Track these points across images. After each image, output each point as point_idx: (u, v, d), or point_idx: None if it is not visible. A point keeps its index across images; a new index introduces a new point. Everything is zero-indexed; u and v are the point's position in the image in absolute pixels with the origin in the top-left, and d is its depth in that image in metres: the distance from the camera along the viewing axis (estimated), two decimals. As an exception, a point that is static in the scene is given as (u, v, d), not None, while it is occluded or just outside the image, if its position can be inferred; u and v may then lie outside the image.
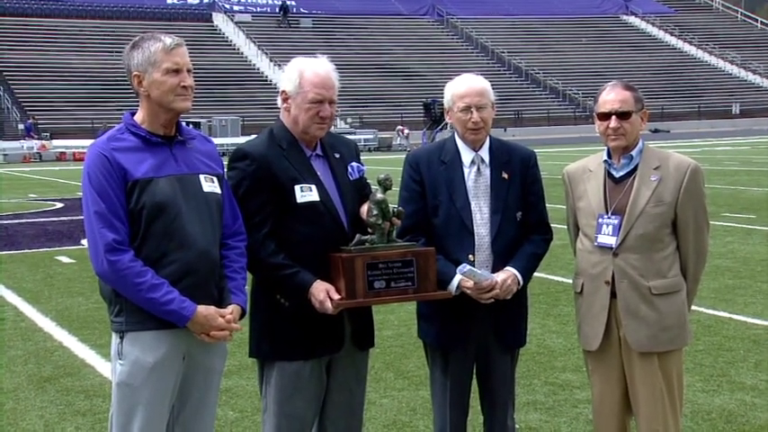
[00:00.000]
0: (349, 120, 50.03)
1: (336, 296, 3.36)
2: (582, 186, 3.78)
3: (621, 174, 3.71)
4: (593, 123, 3.84)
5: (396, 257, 3.40)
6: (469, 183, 3.78)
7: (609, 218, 3.66)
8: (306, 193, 3.47)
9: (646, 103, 3.76)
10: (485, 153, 3.83)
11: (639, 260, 3.62)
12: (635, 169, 3.68)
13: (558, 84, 59.20)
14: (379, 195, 3.44)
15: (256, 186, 3.45)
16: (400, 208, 3.53)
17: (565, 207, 3.92)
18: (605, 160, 3.75)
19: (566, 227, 3.96)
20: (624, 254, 3.62)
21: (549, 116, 55.76)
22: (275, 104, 3.70)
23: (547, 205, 3.94)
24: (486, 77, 3.88)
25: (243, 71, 55.25)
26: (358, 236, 3.46)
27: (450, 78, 3.90)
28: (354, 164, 3.67)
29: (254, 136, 3.79)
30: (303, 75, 3.51)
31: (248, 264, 3.41)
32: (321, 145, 3.63)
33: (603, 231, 3.65)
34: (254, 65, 56.86)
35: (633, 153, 3.70)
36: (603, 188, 3.71)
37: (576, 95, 57.84)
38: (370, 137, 44.02)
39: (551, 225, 3.93)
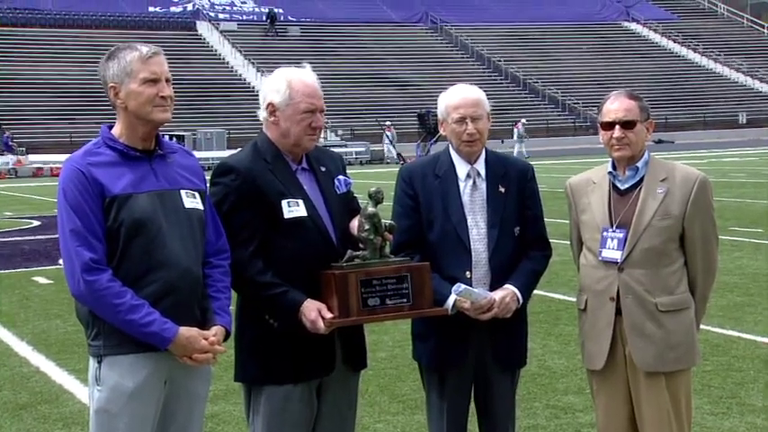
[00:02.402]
0: (339, 132, 50.16)
1: (329, 315, 3.36)
2: (585, 199, 3.79)
3: (627, 186, 3.72)
4: (595, 134, 3.86)
5: (390, 273, 3.42)
6: (465, 197, 3.80)
7: (614, 231, 3.67)
8: (293, 209, 3.47)
9: (650, 112, 3.78)
10: (480, 166, 3.84)
11: (645, 275, 3.62)
12: (641, 181, 3.70)
13: (557, 93, 59.45)
14: (371, 209, 3.45)
15: (241, 202, 3.45)
16: (392, 222, 3.54)
17: (567, 222, 3.93)
18: (610, 172, 3.76)
19: (568, 242, 3.96)
20: (630, 269, 3.63)
21: (549, 127, 55.96)
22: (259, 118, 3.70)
23: (546, 220, 3.95)
24: (482, 87, 3.91)
25: (228, 82, 55.36)
26: (349, 252, 3.47)
27: (445, 88, 3.92)
28: (341, 177, 3.68)
29: (239, 149, 3.79)
30: (292, 85, 3.52)
31: (234, 283, 3.40)
32: (307, 158, 3.64)
33: (608, 245, 3.66)
34: (240, 75, 57.00)
35: (639, 164, 3.71)
36: (608, 201, 3.72)
37: (576, 105, 58.09)
38: (362, 149, 44.07)
39: (550, 240, 3.94)
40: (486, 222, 3.77)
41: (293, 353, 3.47)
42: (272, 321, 3.45)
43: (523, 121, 45.29)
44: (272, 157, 3.55)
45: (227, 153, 33.50)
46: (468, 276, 3.73)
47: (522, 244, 3.83)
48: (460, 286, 3.57)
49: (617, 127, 3.66)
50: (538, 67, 62.97)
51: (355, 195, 3.77)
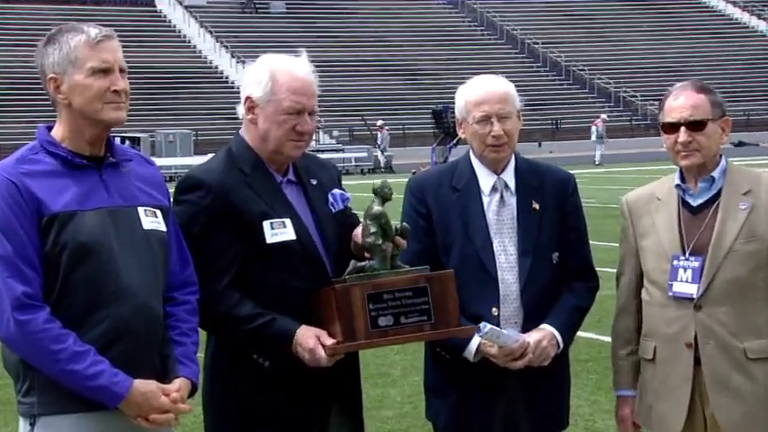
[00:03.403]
0: (335, 133, 50.22)
1: (330, 341, 3.38)
2: (648, 219, 3.80)
3: (700, 201, 3.74)
4: (657, 135, 3.88)
5: (404, 285, 3.43)
6: (490, 215, 3.82)
7: (687, 260, 3.67)
8: (278, 231, 3.51)
9: (727, 107, 3.78)
10: (509, 177, 3.87)
11: (729, 314, 3.62)
12: (718, 195, 3.72)
13: (608, 84, 59.51)
14: (377, 208, 3.45)
15: (213, 224, 3.48)
16: (405, 224, 3.55)
17: (618, 246, 3.94)
18: (678, 185, 3.77)
19: (618, 273, 3.95)
20: (709, 306, 3.62)
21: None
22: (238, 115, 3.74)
23: (592, 243, 3.98)
24: (514, 77, 3.95)
25: (196, 71, 55.56)
26: (353, 262, 3.48)
27: (467, 79, 3.95)
28: (337, 191, 3.71)
29: (210, 156, 3.82)
30: (276, 77, 3.55)
31: (205, 322, 3.43)
32: (294, 169, 3.67)
33: (680, 277, 3.66)
34: (210, 62, 57.21)
35: (715, 174, 3.73)
36: (678, 221, 3.73)
37: (634, 99, 58.14)
38: (363, 155, 44.04)
39: (598, 270, 3.96)
40: (516, 247, 3.79)
41: (275, 414, 3.50)
42: (262, 360, 3.48)
43: (603, 117, 45.58)
44: (251, 166, 3.58)
45: (194, 161, 33.56)
46: (495, 314, 3.75)
47: (563, 274, 3.85)
48: (486, 326, 3.59)
49: (682, 129, 3.67)
50: (584, 51, 63.03)
51: (354, 212, 3.80)
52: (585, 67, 60.89)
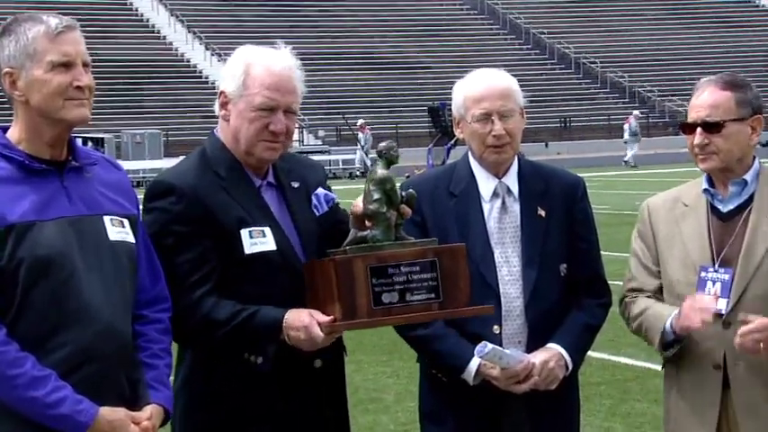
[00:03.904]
0: (321, 133, 50.20)
1: (325, 318, 3.37)
2: (674, 227, 3.82)
3: (731, 207, 3.75)
4: (675, 134, 3.89)
5: (411, 258, 3.42)
6: (491, 223, 3.84)
7: (716, 271, 3.68)
8: (257, 240, 3.53)
9: (763, 101, 3.81)
10: (512, 181, 3.89)
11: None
12: (751, 200, 3.74)
13: (622, 78, 59.58)
14: (381, 172, 3.45)
15: (188, 234, 3.50)
16: (411, 191, 3.53)
17: (629, 257, 3.96)
18: (706, 189, 3.80)
19: (624, 292, 3.94)
20: (740, 324, 3.60)
21: (611, 124, 55.98)
22: (215, 113, 3.75)
23: (604, 254, 4.00)
24: (518, 71, 4.01)
25: (166, 64, 55.50)
26: (353, 231, 3.49)
27: (465, 74, 3.97)
28: (321, 192, 3.73)
29: (181, 159, 3.84)
30: (249, 70, 3.58)
31: (180, 334, 3.45)
32: (273, 171, 3.70)
33: (708, 291, 3.67)
34: (182, 55, 57.16)
35: (747, 177, 3.75)
36: (708, 229, 3.75)
37: (650, 94, 58.22)
38: (352, 157, 44.08)
39: (610, 283, 3.98)
40: (520, 258, 3.82)
41: (270, 410, 3.53)
42: (254, 358, 3.50)
43: (636, 113, 45.80)
44: (227, 169, 3.60)
45: (164, 164, 33.47)
46: (497, 332, 3.77)
47: (571, 288, 3.87)
48: (486, 346, 3.59)
49: (698, 130, 3.71)
50: (595, 41, 63.07)
51: (344, 209, 3.80)
52: (597, 60, 60.87)
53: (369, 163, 34.39)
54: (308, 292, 3.49)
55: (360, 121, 43.89)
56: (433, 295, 3.43)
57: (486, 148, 3.84)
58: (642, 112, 56.64)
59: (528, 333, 3.80)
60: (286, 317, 3.42)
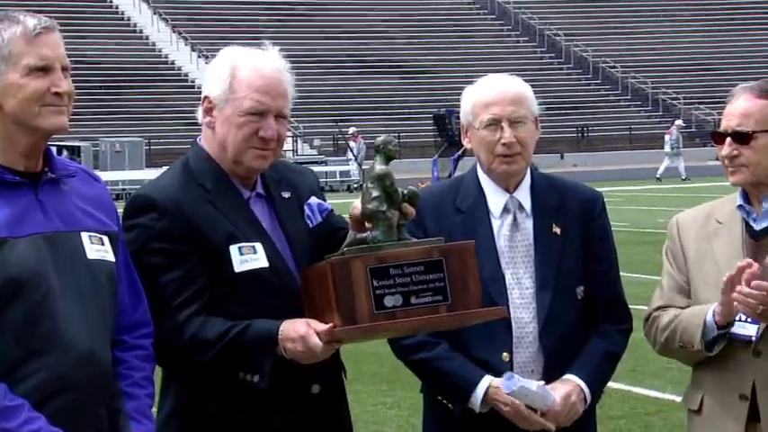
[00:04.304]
0: (317, 142, 50.26)
1: (323, 326, 3.36)
2: (705, 245, 3.83)
3: (765, 225, 3.77)
4: (706, 146, 3.89)
5: (415, 258, 3.41)
6: (501, 241, 3.85)
7: None
8: (248, 257, 3.53)
9: None
10: (524, 195, 3.90)
11: None
12: None
13: (645, 84, 59.67)
14: (379, 168, 3.45)
15: (172, 252, 3.50)
16: (413, 188, 3.53)
17: (658, 278, 3.96)
18: (740, 205, 3.80)
19: (651, 310, 3.94)
20: None
21: (632, 135, 56.10)
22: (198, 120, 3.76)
23: (623, 275, 4.01)
24: (530, 76, 3.98)
25: (149, 67, 55.65)
26: (351, 233, 3.50)
27: (474, 79, 3.98)
28: (314, 201, 3.74)
29: (164, 170, 3.85)
30: (237, 72, 3.59)
31: (165, 358, 3.46)
32: (262, 180, 3.70)
33: (739, 316, 3.67)
34: (166, 57, 57.29)
35: None
36: (742, 249, 3.76)
37: (676, 102, 58.27)
38: (350, 168, 44.11)
39: (631, 307, 3.98)
40: (533, 279, 3.82)
41: (267, 425, 3.54)
42: (250, 377, 3.49)
43: (679, 122, 45.40)
44: (213, 180, 3.61)
45: (146, 175, 33.50)
46: (507, 360, 3.77)
47: (589, 312, 3.88)
48: (514, 379, 3.58)
49: (727, 140, 3.72)
50: (615, 44, 63.12)
51: (341, 216, 3.82)
52: (617, 64, 60.99)
53: (357, 173, 34.37)
54: (306, 303, 3.49)
55: (351, 130, 43.92)
56: (440, 297, 3.41)
57: (495, 158, 3.85)
58: (666, 122, 56.71)
59: (544, 361, 3.80)
60: (281, 328, 3.42)
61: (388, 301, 3.37)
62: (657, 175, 41.62)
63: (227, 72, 3.59)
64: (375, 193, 3.42)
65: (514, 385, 3.58)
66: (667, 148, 43.21)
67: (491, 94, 3.86)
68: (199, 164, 3.64)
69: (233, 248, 3.52)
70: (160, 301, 3.45)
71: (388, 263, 3.38)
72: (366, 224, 3.46)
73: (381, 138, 3.47)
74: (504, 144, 3.82)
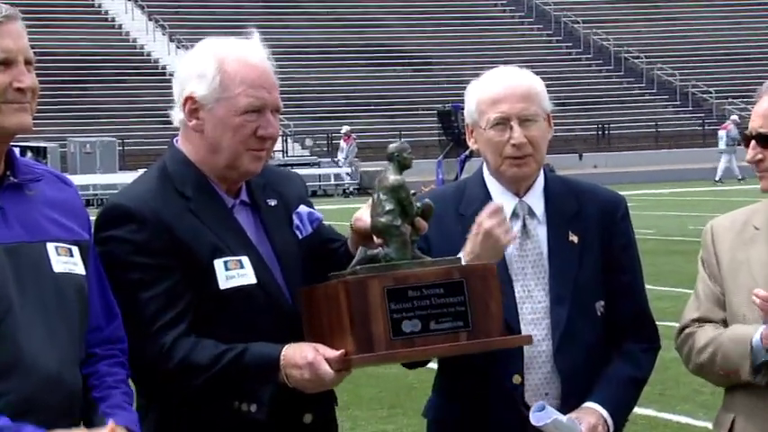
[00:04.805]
0: (309, 142, 50.22)
1: (333, 352, 3.35)
2: (741, 253, 3.85)
3: None
4: (740, 144, 3.93)
5: (434, 279, 3.42)
6: (509, 250, 3.83)
7: None
8: (234, 272, 3.54)
9: None
10: (535, 200, 3.91)
11: None
12: None
13: (672, 77, 59.70)
14: (393, 177, 3.45)
15: (153, 267, 3.51)
16: (428, 201, 3.53)
17: (689, 292, 3.96)
18: None
19: (687, 321, 3.96)
20: None
21: (659, 133, 56.12)
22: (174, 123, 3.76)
23: (649, 288, 4.02)
24: (545, 68, 4.01)
25: (122, 59, 55.63)
26: (361, 249, 3.49)
27: (483, 71, 3.99)
28: (303, 210, 3.75)
29: (140, 173, 3.85)
30: (226, 66, 3.59)
31: (152, 385, 3.49)
32: (246, 187, 3.72)
33: None
34: (141, 47, 57.30)
35: None
36: None
37: (707, 96, 58.29)
38: (346, 171, 44.12)
39: (659, 324, 3.99)
40: (546, 292, 3.83)
41: None
42: (246, 406, 3.49)
43: (735, 117, 45.44)
44: (194, 187, 3.62)
45: (120, 178, 33.51)
46: (518, 382, 3.78)
47: (611, 329, 3.88)
48: (546, 410, 3.58)
49: (752, 143, 3.76)
50: (639, 32, 63.16)
51: (331, 226, 3.83)
52: (641, 54, 61.02)
53: (345, 178, 34.69)
54: (306, 325, 3.49)
55: (344, 129, 43.95)
56: (460, 323, 3.43)
57: (504, 160, 3.85)
58: (697, 118, 56.79)
59: (560, 384, 3.80)
60: (283, 353, 3.42)
61: (406, 327, 3.38)
62: (717, 178, 41.51)
63: (212, 67, 3.58)
64: (389, 206, 3.43)
65: (548, 418, 3.57)
66: (722, 145, 43.10)
67: (498, 90, 3.86)
68: (177, 169, 3.65)
69: (218, 263, 3.54)
70: (143, 321, 3.46)
71: (406, 284, 3.38)
72: (376, 239, 3.47)
73: (395, 144, 3.49)
74: (513, 145, 3.82)
